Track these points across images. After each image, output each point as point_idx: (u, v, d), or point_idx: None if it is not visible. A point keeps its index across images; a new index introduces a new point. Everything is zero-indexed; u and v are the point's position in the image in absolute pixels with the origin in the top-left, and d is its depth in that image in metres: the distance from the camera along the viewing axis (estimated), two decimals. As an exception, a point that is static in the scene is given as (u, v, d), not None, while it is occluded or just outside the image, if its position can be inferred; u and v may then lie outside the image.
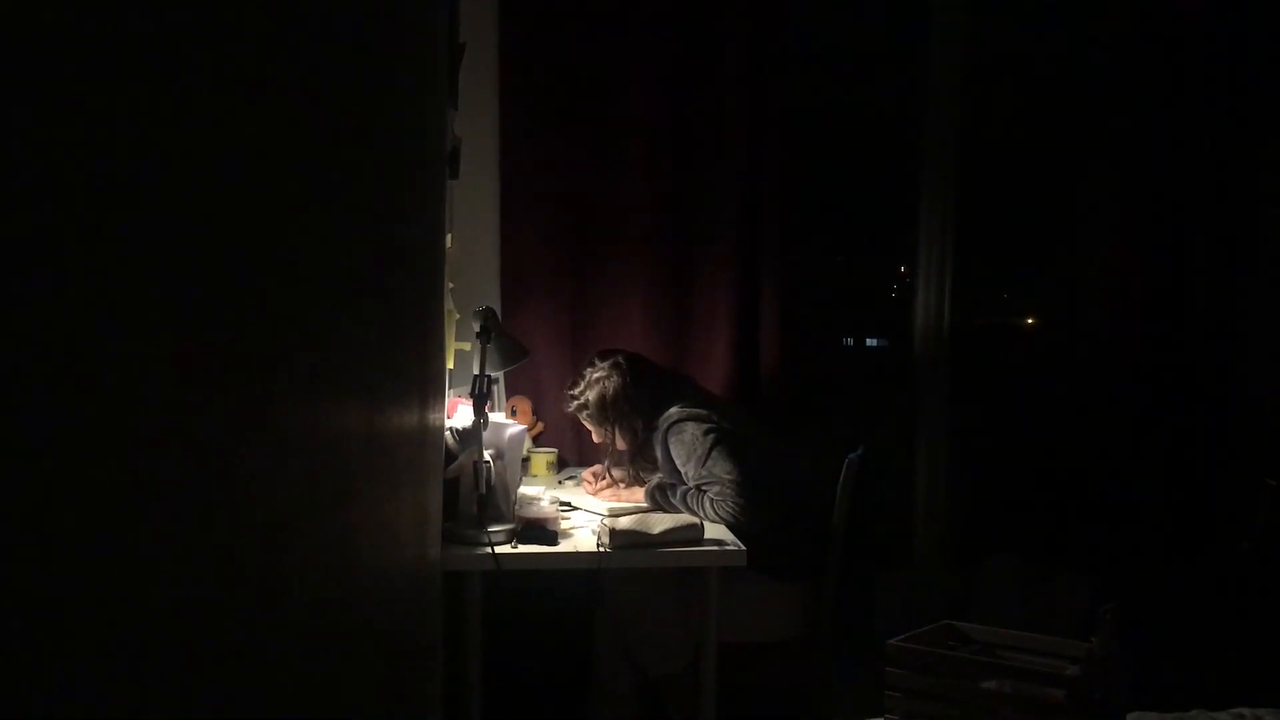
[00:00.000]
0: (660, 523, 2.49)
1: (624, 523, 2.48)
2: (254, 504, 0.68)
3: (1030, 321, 4.45)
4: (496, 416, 2.63)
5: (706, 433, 2.71)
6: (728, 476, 2.64)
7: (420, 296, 1.69)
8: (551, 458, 3.09)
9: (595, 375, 2.87)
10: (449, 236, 2.66)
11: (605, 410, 2.84)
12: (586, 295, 3.28)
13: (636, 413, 2.83)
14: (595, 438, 2.97)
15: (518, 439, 2.59)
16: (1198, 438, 3.52)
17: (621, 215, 3.26)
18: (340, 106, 0.94)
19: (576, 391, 2.90)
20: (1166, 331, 3.55)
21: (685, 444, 2.72)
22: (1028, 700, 1.90)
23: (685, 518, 2.57)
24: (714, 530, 2.57)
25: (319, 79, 0.85)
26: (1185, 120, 3.50)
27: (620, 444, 2.89)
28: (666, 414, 2.79)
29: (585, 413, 2.90)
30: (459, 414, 2.61)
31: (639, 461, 2.93)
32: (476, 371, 2.48)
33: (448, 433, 2.48)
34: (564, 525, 2.56)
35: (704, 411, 2.76)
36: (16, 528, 0.40)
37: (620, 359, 2.88)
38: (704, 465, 2.68)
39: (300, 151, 0.79)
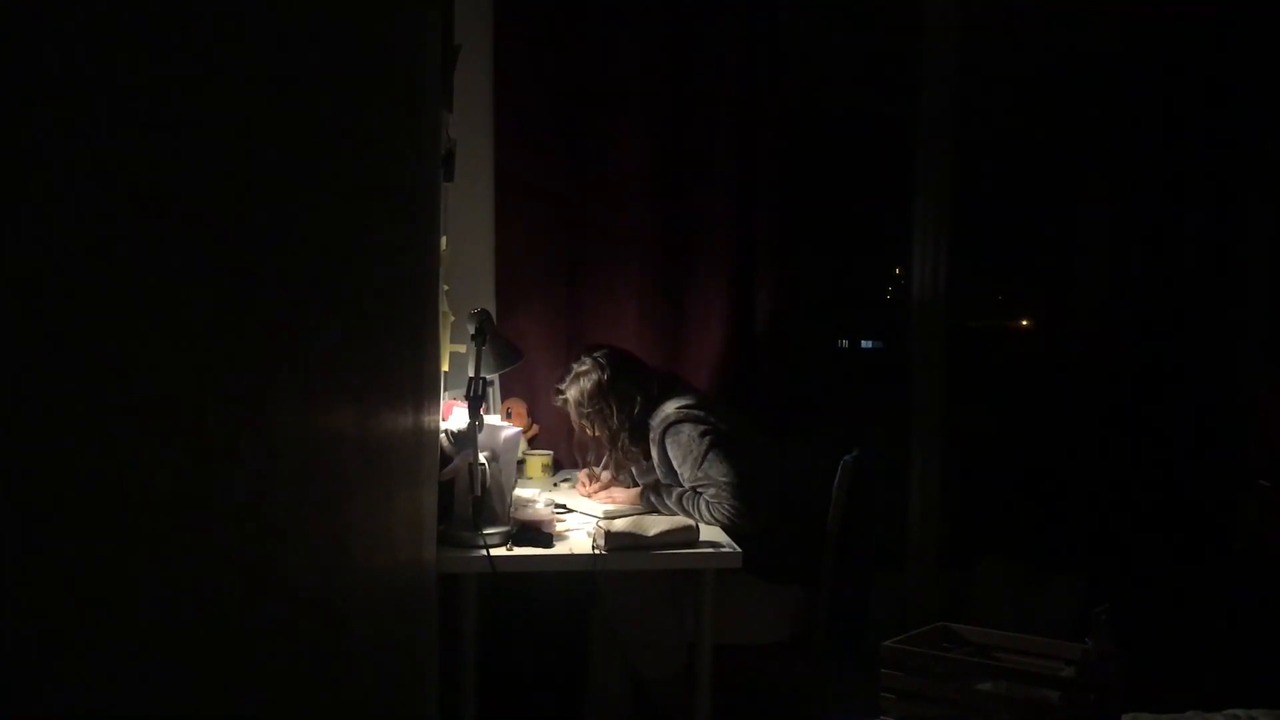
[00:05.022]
0: (656, 525, 2.49)
1: (619, 525, 2.48)
2: (247, 507, 0.68)
3: (1025, 323, 4.46)
4: (491, 419, 2.63)
5: (703, 434, 2.71)
6: (723, 479, 2.64)
7: (415, 299, 1.69)
8: (547, 460, 3.09)
9: (579, 369, 2.86)
10: (444, 239, 2.66)
11: (583, 404, 2.84)
12: (581, 297, 3.28)
13: (614, 409, 2.81)
14: (591, 434, 2.95)
15: (513, 441, 2.59)
16: (1190, 439, 3.53)
17: (616, 217, 3.26)
18: (334, 108, 0.94)
19: (563, 386, 2.90)
20: (1159, 333, 3.55)
21: (681, 445, 2.72)
22: (1023, 702, 1.90)
23: (681, 520, 2.57)
24: (709, 532, 2.58)
25: (311, 80, 0.85)
26: (1180, 123, 3.51)
27: (599, 434, 2.88)
28: (664, 415, 2.78)
29: (566, 406, 2.90)
30: (454, 416, 2.61)
31: (618, 458, 2.90)
32: (471, 374, 2.48)
33: (443, 435, 2.48)
34: (559, 527, 2.56)
35: (701, 413, 2.76)
36: (11, 530, 0.40)
37: (602, 355, 2.86)
38: (700, 467, 2.68)
39: (294, 153, 0.79)
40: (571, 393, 2.85)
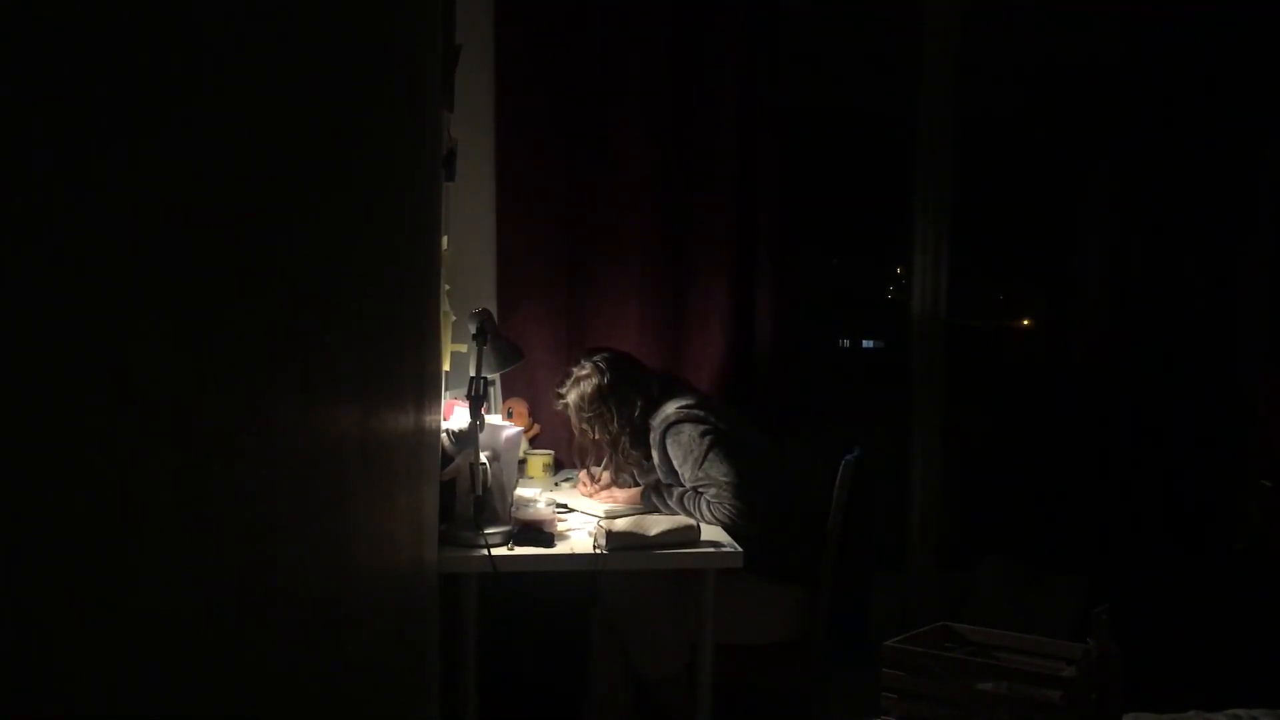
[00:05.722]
0: (657, 524, 2.49)
1: (620, 525, 2.48)
2: (248, 508, 0.68)
3: (1025, 323, 4.46)
4: (493, 418, 2.63)
5: (704, 434, 2.71)
6: (724, 479, 2.64)
7: (416, 299, 1.69)
8: (548, 459, 3.09)
9: (579, 374, 2.87)
10: (445, 239, 2.66)
11: (583, 409, 2.84)
12: (582, 297, 3.29)
13: (614, 413, 2.82)
14: (591, 437, 2.95)
15: (514, 441, 2.59)
16: (1191, 439, 3.53)
17: (617, 217, 3.26)
18: (335, 108, 0.94)
19: (563, 390, 2.91)
20: (1159, 334, 3.55)
21: (682, 445, 2.72)
22: (1024, 701, 1.90)
23: (682, 519, 2.57)
24: (710, 532, 2.58)
25: (312, 80, 0.85)
26: (1180, 123, 3.51)
27: (599, 438, 2.88)
28: (665, 415, 2.78)
29: (567, 410, 2.90)
30: (455, 416, 2.61)
31: (619, 461, 2.90)
32: (473, 373, 2.48)
33: (444, 435, 2.48)
34: (560, 527, 2.56)
35: (701, 413, 2.76)
36: (10, 531, 0.40)
37: (602, 360, 2.87)
38: (700, 467, 2.68)
39: (294, 153, 0.79)
40: (571, 397, 2.86)
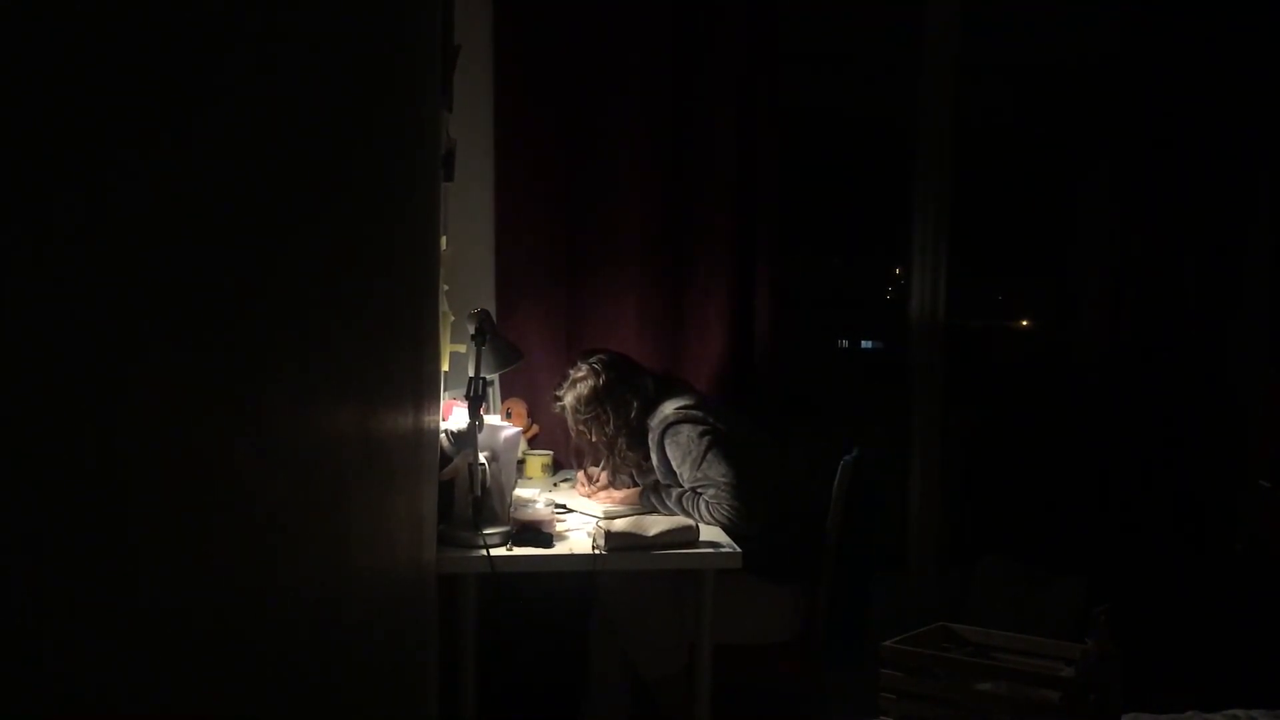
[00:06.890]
0: (655, 525, 2.49)
1: (619, 525, 2.48)
2: (247, 507, 0.68)
3: (1025, 324, 4.46)
4: (491, 419, 2.63)
5: (702, 435, 2.71)
6: (723, 479, 2.64)
7: (415, 299, 1.69)
8: (547, 460, 3.09)
9: (576, 376, 2.87)
10: (444, 239, 2.66)
11: (579, 410, 2.84)
12: (581, 297, 3.28)
13: (610, 414, 2.82)
14: (589, 439, 2.95)
15: (513, 441, 2.59)
16: (1191, 439, 3.53)
17: (616, 217, 3.26)
18: (333, 109, 0.94)
19: (560, 392, 2.91)
20: (1159, 334, 3.55)
21: (681, 445, 2.72)
22: (1022, 702, 1.90)
23: (680, 520, 2.57)
24: (709, 532, 2.58)
25: (311, 81, 0.85)
26: (1181, 122, 3.51)
27: (597, 440, 2.88)
28: (663, 415, 2.78)
29: (564, 413, 2.90)
30: (454, 416, 2.61)
31: (617, 463, 2.90)
32: (471, 374, 2.48)
33: (443, 435, 2.48)
34: (559, 527, 2.56)
35: (700, 413, 2.76)
36: (10, 531, 0.40)
37: (598, 361, 2.86)
38: (699, 467, 2.68)
39: (293, 153, 0.79)
40: (568, 399, 2.86)
